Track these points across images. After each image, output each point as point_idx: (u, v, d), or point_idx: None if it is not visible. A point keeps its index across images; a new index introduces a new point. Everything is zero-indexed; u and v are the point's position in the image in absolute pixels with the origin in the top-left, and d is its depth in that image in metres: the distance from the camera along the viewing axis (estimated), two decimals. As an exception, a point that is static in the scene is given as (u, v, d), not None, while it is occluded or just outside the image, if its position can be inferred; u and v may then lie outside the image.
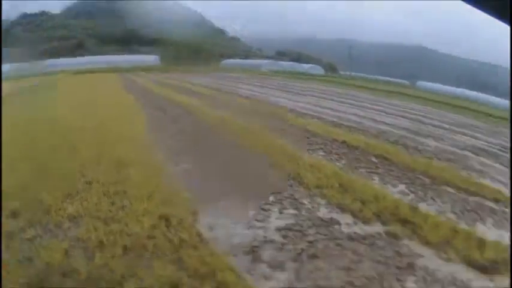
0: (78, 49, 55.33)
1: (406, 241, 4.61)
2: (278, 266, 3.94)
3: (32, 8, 65.00)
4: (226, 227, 4.73)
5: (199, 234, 4.43)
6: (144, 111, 12.64)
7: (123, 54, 38.86)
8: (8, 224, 4.61)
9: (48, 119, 10.82)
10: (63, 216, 4.89)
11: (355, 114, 14.06)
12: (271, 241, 4.42)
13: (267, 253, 4.16)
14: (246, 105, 14.74)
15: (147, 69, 34.23)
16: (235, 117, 11.46)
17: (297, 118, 12.03)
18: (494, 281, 4.01)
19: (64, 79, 28.15)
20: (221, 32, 60.50)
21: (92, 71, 32.13)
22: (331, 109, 15.17)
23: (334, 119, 12.47)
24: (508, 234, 5.02)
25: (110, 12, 63.46)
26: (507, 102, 21.91)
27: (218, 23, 59.47)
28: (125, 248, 4.15)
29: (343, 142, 9.01)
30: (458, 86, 34.53)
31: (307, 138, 9.42)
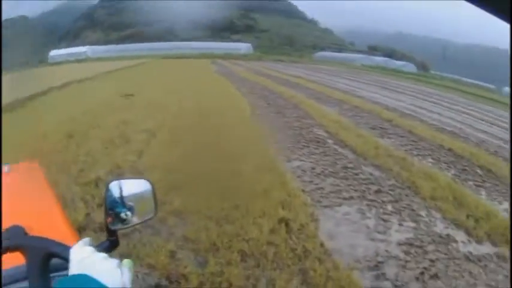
0: (167, 34, 56.25)
1: None
2: (402, 286, 3.87)
3: None
4: (347, 236, 4.66)
5: (322, 244, 4.29)
6: (246, 99, 12.89)
7: (215, 41, 38.95)
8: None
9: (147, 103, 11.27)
10: (168, 211, 4.62)
11: (452, 119, 13.44)
12: (394, 257, 4.31)
13: (390, 270, 4.07)
14: (345, 101, 14.46)
15: (240, 57, 34.24)
16: (334, 112, 11.56)
17: (399, 118, 11.69)
18: None
19: (154, 63, 28.72)
20: (314, 23, 59.40)
21: (182, 57, 32.76)
22: (428, 110, 14.60)
23: (435, 123, 11.97)
24: None
25: None
26: None
27: (310, 14, 58.31)
28: (243, 254, 3.94)
29: (450, 150, 8.65)
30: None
31: (414, 142, 9.13)
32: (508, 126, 13.88)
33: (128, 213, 1.37)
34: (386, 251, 4.42)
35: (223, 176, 5.71)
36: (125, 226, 1.38)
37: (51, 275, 1.10)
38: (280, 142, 8.21)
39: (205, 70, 23.82)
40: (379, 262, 4.17)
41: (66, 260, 0.99)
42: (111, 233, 1.29)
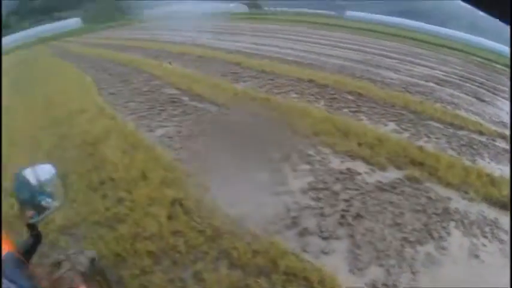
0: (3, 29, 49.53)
1: (428, 184, 4.48)
2: (330, 236, 3.56)
3: None
4: (248, 198, 4.12)
5: (227, 216, 3.80)
6: (87, 76, 11.09)
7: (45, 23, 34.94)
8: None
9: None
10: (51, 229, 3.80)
11: (303, 51, 13.26)
12: (306, 207, 3.97)
13: (309, 222, 3.72)
14: (186, 52, 13.24)
15: (71, 33, 31.20)
16: (181, 66, 10.73)
17: (247, 60, 11.04)
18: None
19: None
20: None
21: (19, 47, 28.76)
22: (274, 46, 14.28)
23: (285, 57, 11.67)
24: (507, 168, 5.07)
25: None
26: (441, 29, 22.29)
27: None
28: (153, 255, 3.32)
29: (311, 81, 8.43)
30: (388, 14, 34.82)
31: (271, 80, 8.67)
32: (358, 47, 14.50)
33: (49, 199, 1.32)
34: (296, 202, 4.05)
35: (90, 168, 4.75)
36: (45, 214, 1.31)
37: None
38: (136, 112, 7.11)
39: (41, 56, 20.16)
40: (294, 218, 3.80)
41: None
42: (33, 228, 1.27)
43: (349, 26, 24.06)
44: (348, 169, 4.67)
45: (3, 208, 3.78)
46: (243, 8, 37.48)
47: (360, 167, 4.74)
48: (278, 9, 36.59)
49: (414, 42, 18.82)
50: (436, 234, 3.63)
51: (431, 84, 9.41)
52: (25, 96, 9.72)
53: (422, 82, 9.51)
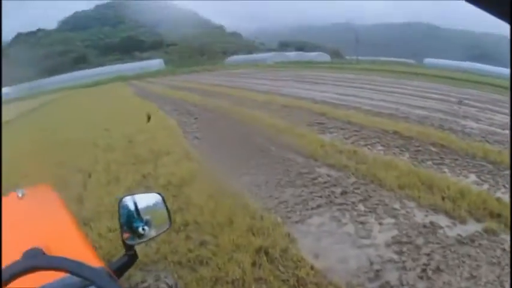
0: (79, 63, 54.88)
1: (503, 236, 4.31)
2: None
3: (27, 26, 64.95)
4: (332, 250, 4.21)
5: (312, 267, 3.82)
6: (171, 118, 12.13)
7: (126, 62, 38.22)
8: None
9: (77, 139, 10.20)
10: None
11: (385, 101, 13.63)
12: (389, 260, 3.96)
13: (391, 275, 3.72)
14: (271, 101, 14.08)
15: (153, 74, 33.63)
16: (267, 115, 11.05)
17: (332, 110, 11.46)
18: None
19: (73, 95, 27.37)
20: (220, 29, 59.61)
21: (98, 83, 31.56)
22: (357, 96, 14.74)
23: (369, 108, 11.97)
24: None
25: (105, 21, 63.27)
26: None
27: (215, 20, 58.66)
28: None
29: (395, 133, 8.55)
30: (465, 59, 34.09)
31: (357, 131, 8.89)
32: (439, 97, 14.44)
33: (145, 227, 1.39)
34: (379, 256, 4.03)
35: (174, 209, 4.92)
36: (142, 240, 1.40)
37: None
38: (222, 159, 7.53)
39: (123, 94, 22.84)
40: (377, 270, 3.78)
41: (84, 278, 0.95)
42: (129, 248, 1.36)
43: (427, 73, 23.76)
44: (431, 223, 4.62)
45: (103, 229, 4.29)
46: (324, 57, 38.50)
47: (442, 220, 4.67)
48: (362, 58, 37.14)
49: (492, 88, 18.22)
50: (507, 286, 3.62)
51: (507, 132, 9.13)
52: (105, 132, 10.78)
53: (499, 130, 9.26)
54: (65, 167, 7.68)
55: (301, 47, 42.20)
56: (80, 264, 0.98)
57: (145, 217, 1.38)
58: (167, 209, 1.46)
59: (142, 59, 39.68)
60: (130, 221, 1.36)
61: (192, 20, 52.92)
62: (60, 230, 1.85)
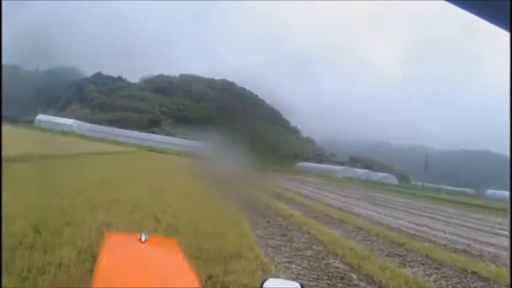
0: (152, 125, 56.69)
1: None
2: None
3: (108, 70, 68.28)
4: None
5: None
6: (242, 216, 11.98)
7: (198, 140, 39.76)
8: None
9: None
10: None
11: (456, 235, 13.91)
12: None
13: None
14: (345, 220, 14.36)
15: None
16: (343, 235, 11.36)
17: (410, 241, 11.54)
18: None
19: (139, 154, 28.69)
20: (296, 132, 61.37)
21: (166, 152, 33.56)
22: (429, 227, 15.11)
23: (443, 242, 12.25)
24: None
25: (188, 93, 64.49)
26: None
27: (293, 122, 59.56)
28: None
29: (474, 273, 8.64)
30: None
31: (437, 269, 8.89)
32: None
33: None
34: None
35: None
36: None
37: None
38: (299, 277, 7.03)
39: (191, 171, 23.61)
40: None
41: None
42: None
43: (489, 206, 23.44)
44: None
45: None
46: (392, 179, 39.12)
47: None
48: (427, 184, 37.34)
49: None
50: None
51: None
52: (168, 207, 10.56)
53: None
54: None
55: (370, 165, 42.93)
56: None
57: None
58: None
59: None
60: None
61: (270, 116, 53.70)
62: (178, 283, 1.86)
